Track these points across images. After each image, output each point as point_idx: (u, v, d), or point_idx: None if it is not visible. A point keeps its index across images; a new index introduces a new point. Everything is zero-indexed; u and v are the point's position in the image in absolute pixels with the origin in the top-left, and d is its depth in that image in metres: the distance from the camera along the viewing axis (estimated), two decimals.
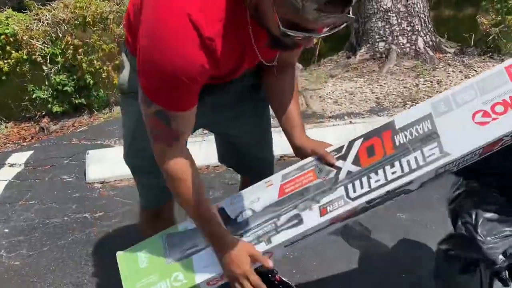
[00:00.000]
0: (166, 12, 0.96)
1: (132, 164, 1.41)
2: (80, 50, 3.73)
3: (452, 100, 1.21)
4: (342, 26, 0.95)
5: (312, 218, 1.20)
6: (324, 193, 1.22)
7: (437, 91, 3.94)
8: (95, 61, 3.80)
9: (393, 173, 1.18)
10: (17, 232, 2.34)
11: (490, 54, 4.59)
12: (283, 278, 1.77)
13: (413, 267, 1.86)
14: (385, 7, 4.48)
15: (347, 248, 2.02)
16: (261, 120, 1.51)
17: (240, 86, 1.31)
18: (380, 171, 1.20)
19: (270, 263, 1.18)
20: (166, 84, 1.00)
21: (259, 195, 1.28)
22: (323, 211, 1.20)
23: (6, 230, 2.37)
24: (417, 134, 1.21)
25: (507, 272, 1.19)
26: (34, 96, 3.91)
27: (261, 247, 1.20)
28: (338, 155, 1.27)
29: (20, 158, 3.19)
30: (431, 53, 4.58)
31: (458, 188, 1.37)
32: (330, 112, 3.72)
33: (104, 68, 3.86)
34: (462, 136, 1.17)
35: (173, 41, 0.96)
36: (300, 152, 1.30)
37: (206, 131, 3.35)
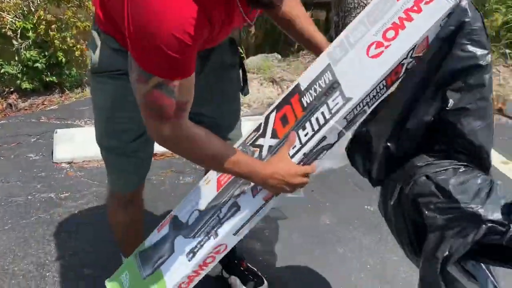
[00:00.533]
0: None
1: (107, 147, 1.36)
2: (53, 26, 3.61)
3: (346, 43, 1.17)
4: None
5: (247, 202, 1.23)
6: None
7: None
8: (68, 39, 3.68)
9: (305, 135, 1.17)
10: None
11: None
12: (249, 265, 1.78)
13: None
14: (365, 1, 4.50)
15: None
16: (234, 101, 1.50)
17: (218, 62, 1.30)
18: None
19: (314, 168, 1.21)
20: (163, 51, 0.92)
21: (201, 195, 1.33)
22: (254, 192, 1.23)
23: None
24: (320, 89, 1.18)
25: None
26: (2, 71, 3.76)
27: (211, 242, 1.24)
28: (258, 134, 1.28)
29: None
30: None
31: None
32: None
33: (78, 46, 3.75)
34: (360, 75, 1.12)
35: (161, 1, 0.91)
36: None
37: None
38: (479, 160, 1.15)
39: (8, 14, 3.61)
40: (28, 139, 3.00)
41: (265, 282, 1.72)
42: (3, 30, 3.63)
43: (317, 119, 1.16)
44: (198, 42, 0.97)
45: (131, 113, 1.25)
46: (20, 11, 3.68)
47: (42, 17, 3.57)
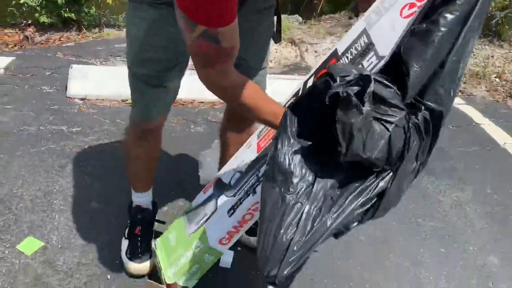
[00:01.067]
0: None
1: (137, 73, 1.36)
2: None
3: (381, 8, 1.21)
4: None
5: None
6: None
7: None
8: None
9: None
10: None
11: (490, 37, 4.56)
12: None
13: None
14: None
15: None
16: (264, 46, 1.49)
17: (255, 5, 1.29)
18: None
19: None
20: (211, 2, 0.92)
21: (243, 158, 1.41)
22: None
23: None
24: (356, 52, 1.22)
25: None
26: (21, 1, 3.72)
27: (250, 199, 1.31)
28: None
29: (0, 62, 3.07)
30: None
31: None
32: None
33: None
34: (394, 35, 1.14)
35: None
36: None
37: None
38: None
39: None
40: (43, 72, 3.00)
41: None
42: None
43: None
44: None
45: (166, 44, 1.26)
46: None
47: None
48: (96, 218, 1.82)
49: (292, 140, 0.97)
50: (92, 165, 2.14)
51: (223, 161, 1.73)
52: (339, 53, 1.25)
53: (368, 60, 1.18)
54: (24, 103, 2.57)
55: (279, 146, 0.97)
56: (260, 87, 1.16)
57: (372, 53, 1.18)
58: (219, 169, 1.77)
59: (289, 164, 0.96)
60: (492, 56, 4.20)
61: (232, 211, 1.34)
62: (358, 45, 1.22)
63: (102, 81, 2.75)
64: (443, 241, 1.90)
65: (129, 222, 1.66)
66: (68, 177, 2.04)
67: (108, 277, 1.56)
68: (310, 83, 1.28)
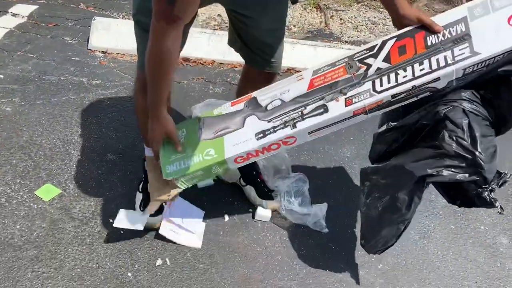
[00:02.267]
0: None
1: (141, 21, 1.38)
2: None
3: (489, 5, 1.24)
4: None
5: (337, 108, 1.28)
6: (352, 87, 1.29)
7: None
8: None
9: (421, 70, 1.23)
10: (12, 80, 2.31)
11: None
12: (265, 180, 1.81)
13: None
14: None
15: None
16: (283, 9, 1.46)
17: None
18: (409, 68, 1.25)
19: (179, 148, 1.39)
20: None
21: (289, 87, 1.38)
22: (348, 102, 1.28)
23: (1, 76, 2.33)
24: (449, 36, 1.25)
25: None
26: None
27: (287, 131, 1.31)
28: (370, 53, 1.32)
29: (24, 9, 3.06)
30: (464, 1, 4.37)
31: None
32: (348, 37, 3.60)
33: None
34: (495, 37, 1.20)
35: None
36: (403, 22, 1.31)
37: (217, 26, 3.24)
38: None
39: None
40: (66, 22, 2.99)
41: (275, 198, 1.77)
42: None
43: (437, 60, 1.23)
44: None
45: None
46: None
47: None
48: (112, 170, 1.86)
49: None
50: (109, 117, 2.16)
51: None
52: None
53: (460, 49, 1.22)
54: (46, 53, 2.58)
55: None
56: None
57: (467, 44, 1.22)
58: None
59: None
60: None
61: (261, 135, 1.33)
62: (453, 30, 1.25)
63: (124, 36, 2.74)
64: (454, 218, 1.90)
65: (143, 176, 1.69)
66: (87, 128, 2.07)
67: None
68: (389, 44, 1.29)
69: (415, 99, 1.27)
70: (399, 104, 1.28)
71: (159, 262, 1.52)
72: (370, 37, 3.69)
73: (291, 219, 1.74)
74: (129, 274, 1.46)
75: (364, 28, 3.83)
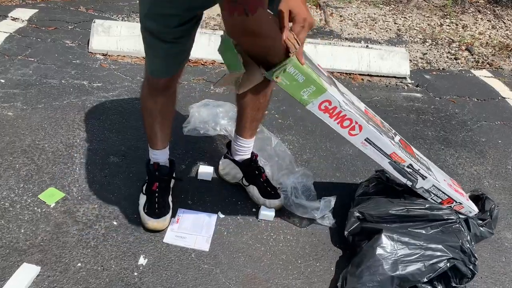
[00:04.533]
0: None
1: (149, 27, 1.35)
2: None
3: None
4: None
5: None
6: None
7: (460, 36, 3.80)
8: None
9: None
10: (13, 85, 2.32)
11: None
12: (268, 179, 1.81)
13: None
14: None
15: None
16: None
17: None
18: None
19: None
20: None
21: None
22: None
23: (2, 81, 2.34)
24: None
25: None
26: None
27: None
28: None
29: (24, 13, 3.07)
30: None
31: None
32: (348, 34, 3.59)
33: None
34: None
35: None
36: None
37: (217, 26, 3.23)
38: None
39: None
40: (66, 25, 2.99)
41: (281, 196, 1.76)
42: None
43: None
44: None
45: (178, 2, 1.24)
46: None
47: None
48: (115, 173, 1.86)
49: None
50: (111, 120, 2.16)
51: (239, 123, 1.74)
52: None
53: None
54: (47, 57, 2.59)
55: None
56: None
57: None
58: (235, 131, 1.78)
59: None
60: None
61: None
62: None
63: (124, 38, 2.74)
64: None
65: (147, 178, 1.69)
66: (89, 131, 2.07)
67: (126, 230, 1.61)
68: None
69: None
70: None
71: (164, 263, 1.52)
72: (370, 33, 3.68)
73: (299, 214, 1.74)
74: (135, 275, 1.47)
75: (364, 25, 3.82)
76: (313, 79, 1.28)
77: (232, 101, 2.07)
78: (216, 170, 1.91)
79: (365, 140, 1.42)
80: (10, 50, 2.62)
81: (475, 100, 2.83)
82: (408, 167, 1.51)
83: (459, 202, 1.58)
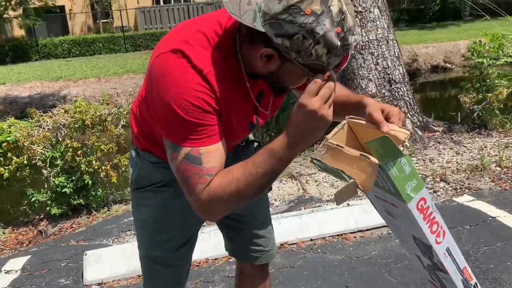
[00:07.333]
0: (171, 69, 1.05)
1: (153, 256, 1.38)
2: (79, 152, 3.83)
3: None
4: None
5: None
6: None
7: (430, 169, 4.00)
8: (93, 162, 3.88)
9: None
10: None
11: (477, 130, 4.74)
12: None
13: None
14: (370, 92, 4.71)
15: None
16: (263, 197, 1.55)
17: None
18: None
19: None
20: (181, 117, 1.02)
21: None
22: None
23: None
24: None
25: None
26: (33, 199, 3.92)
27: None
28: None
29: (16, 263, 3.13)
30: (420, 133, 4.72)
31: None
32: (328, 196, 3.74)
33: (103, 167, 3.93)
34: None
35: (176, 75, 1.03)
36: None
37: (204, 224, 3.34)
38: None
39: (38, 146, 3.87)
40: (58, 264, 3.04)
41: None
42: (34, 161, 3.86)
43: None
44: (214, 110, 1.05)
45: (175, 222, 1.33)
46: (49, 142, 3.95)
47: (69, 145, 3.81)
48: None
49: None
50: None
51: None
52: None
53: None
54: None
55: None
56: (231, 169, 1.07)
57: None
58: None
59: None
60: (485, 147, 4.32)
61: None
62: None
63: (116, 262, 2.78)
64: None
65: None
66: None
67: None
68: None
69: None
70: None
71: None
72: None
73: None
74: None
75: (340, 183, 4.01)
76: (416, 170, 1.14)
77: None
78: None
79: (445, 250, 1.20)
80: None
81: (468, 227, 2.85)
82: (474, 286, 1.27)
83: None
